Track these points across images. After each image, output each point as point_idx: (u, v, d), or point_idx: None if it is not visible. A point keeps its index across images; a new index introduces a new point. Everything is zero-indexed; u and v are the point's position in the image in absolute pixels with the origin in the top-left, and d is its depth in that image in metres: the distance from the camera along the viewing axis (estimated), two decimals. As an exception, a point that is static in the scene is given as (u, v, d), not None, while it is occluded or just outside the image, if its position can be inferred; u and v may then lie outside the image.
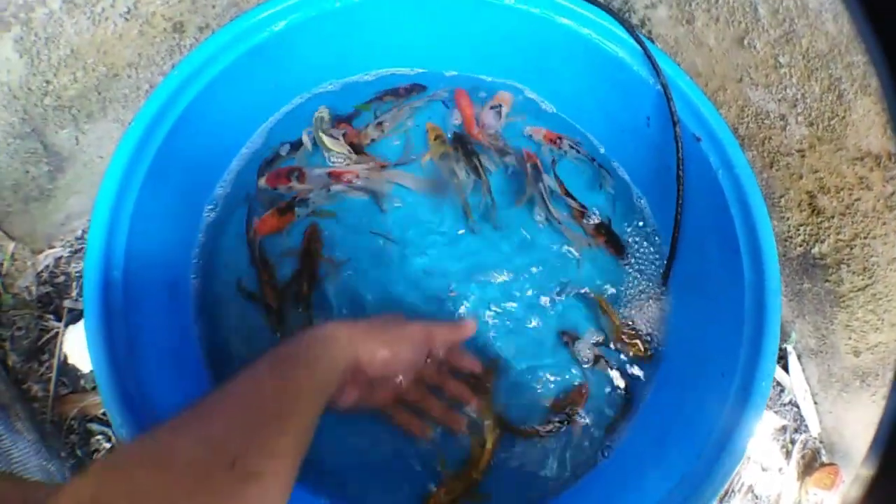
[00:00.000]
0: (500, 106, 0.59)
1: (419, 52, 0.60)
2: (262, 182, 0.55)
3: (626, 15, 0.58)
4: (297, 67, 0.56)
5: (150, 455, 0.29)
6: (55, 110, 0.54)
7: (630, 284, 0.56)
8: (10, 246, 0.62)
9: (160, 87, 0.48)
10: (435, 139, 0.57)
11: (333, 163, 0.56)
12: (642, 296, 0.55)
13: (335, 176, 0.55)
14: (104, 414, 0.58)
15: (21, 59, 0.50)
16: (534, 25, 0.54)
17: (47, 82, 0.52)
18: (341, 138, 0.56)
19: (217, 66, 0.50)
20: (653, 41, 0.53)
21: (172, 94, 0.48)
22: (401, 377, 0.43)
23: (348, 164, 0.56)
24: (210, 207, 0.56)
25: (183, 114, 0.49)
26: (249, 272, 0.53)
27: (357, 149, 0.56)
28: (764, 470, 0.60)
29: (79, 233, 0.65)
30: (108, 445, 0.57)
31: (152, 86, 0.57)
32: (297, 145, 0.57)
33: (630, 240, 0.57)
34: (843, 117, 0.49)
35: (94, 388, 0.59)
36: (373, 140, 0.58)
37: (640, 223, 0.58)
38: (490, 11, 0.54)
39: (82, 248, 0.64)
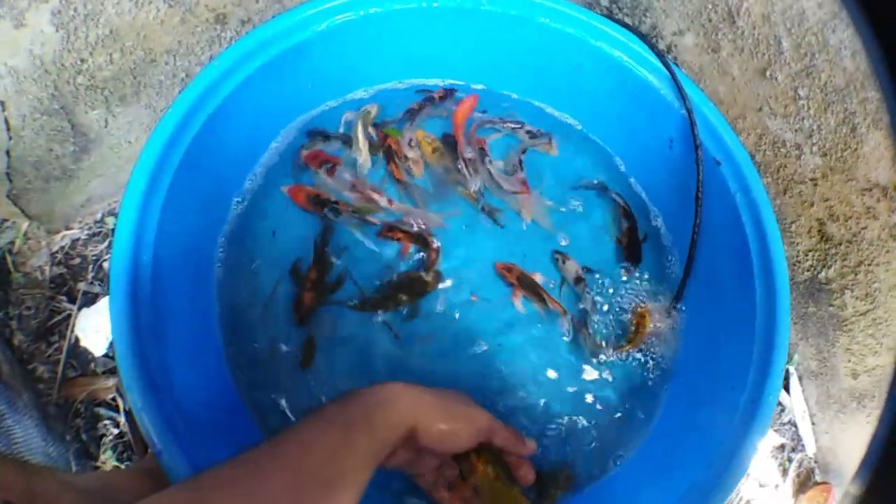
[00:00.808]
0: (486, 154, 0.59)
1: (452, 64, 0.61)
2: (304, 152, 0.56)
3: (654, 40, 0.60)
4: (334, 69, 0.57)
5: None
6: (87, 90, 0.54)
7: (642, 298, 0.57)
8: (25, 224, 0.62)
9: (200, 75, 0.48)
10: (431, 151, 0.57)
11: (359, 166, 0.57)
12: (655, 311, 0.57)
13: (358, 190, 0.55)
14: (113, 399, 0.58)
15: (57, 34, 0.50)
16: (567, 45, 0.56)
17: (82, 60, 0.52)
18: (367, 142, 0.57)
19: (256, 60, 0.51)
20: (678, 67, 0.55)
21: (212, 84, 0.49)
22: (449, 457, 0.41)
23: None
24: (238, 200, 0.56)
25: (221, 105, 0.49)
26: (286, 261, 0.53)
27: (390, 153, 0.56)
28: (761, 486, 0.62)
29: (98, 216, 0.64)
30: (115, 431, 0.56)
31: (188, 75, 0.57)
32: (348, 140, 0.57)
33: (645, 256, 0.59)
34: (855, 149, 0.52)
35: (104, 373, 0.59)
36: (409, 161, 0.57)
37: (656, 241, 0.60)
38: (524, 29, 0.56)
39: (101, 231, 0.64)
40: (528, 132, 0.59)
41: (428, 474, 0.42)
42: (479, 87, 0.63)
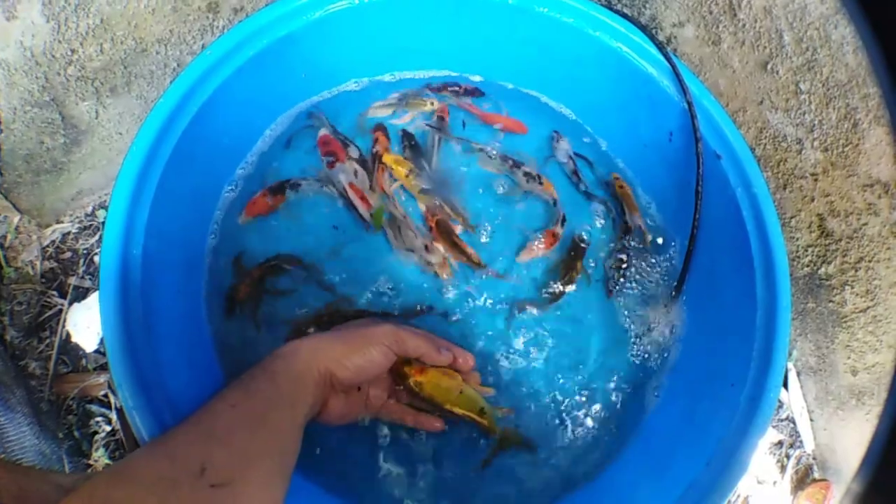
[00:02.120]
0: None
1: (447, 55, 0.61)
2: (322, 132, 0.55)
3: (653, 32, 0.60)
4: (328, 60, 0.56)
5: (122, 475, 0.30)
6: (78, 81, 0.53)
7: (641, 293, 0.57)
8: (16, 218, 0.61)
9: (192, 65, 0.47)
10: (405, 175, 0.55)
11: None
12: (653, 306, 0.56)
13: (352, 188, 0.54)
14: (105, 396, 0.57)
15: (47, 25, 0.49)
16: (565, 35, 0.55)
17: (72, 51, 0.51)
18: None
19: (249, 50, 0.50)
20: (678, 59, 0.54)
21: (203, 74, 0.48)
22: (385, 379, 0.44)
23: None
24: (230, 188, 0.55)
25: (212, 95, 0.49)
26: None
27: (374, 158, 0.55)
28: (759, 483, 0.61)
29: (89, 209, 0.63)
30: (108, 428, 0.56)
31: (180, 64, 0.56)
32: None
33: (641, 252, 0.58)
34: (857, 145, 0.51)
35: (95, 369, 0.58)
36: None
37: (653, 235, 0.59)
38: (523, 19, 0.55)
39: (91, 224, 0.63)
40: (525, 174, 0.57)
41: (376, 403, 0.44)
42: (477, 78, 0.62)
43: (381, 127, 0.57)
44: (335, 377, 0.39)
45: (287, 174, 0.55)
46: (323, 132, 0.56)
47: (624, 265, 0.56)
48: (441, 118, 0.57)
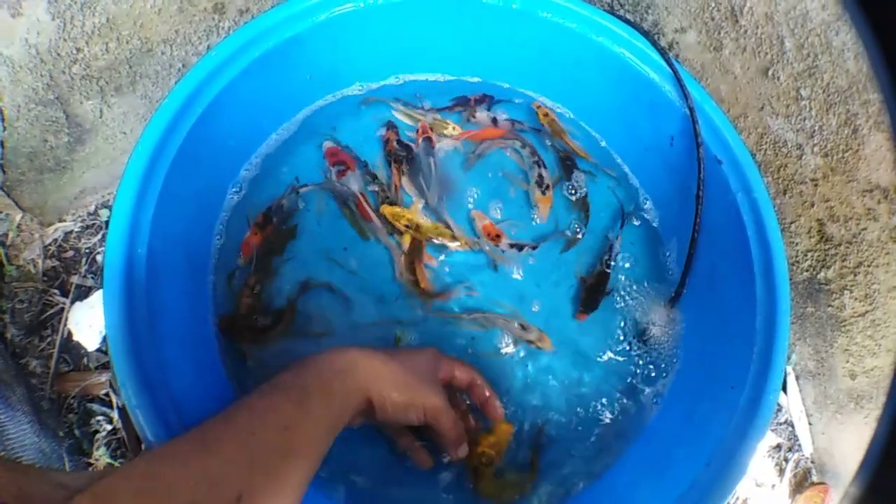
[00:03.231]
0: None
1: (450, 58, 0.61)
2: (327, 144, 0.55)
3: (656, 37, 0.60)
4: (332, 62, 0.56)
5: (151, 485, 0.27)
6: (82, 79, 0.53)
7: (642, 297, 0.57)
8: (18, 216, 0.61)
9: (198, 66, 0.48)
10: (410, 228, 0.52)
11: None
12: (654, 309, 0.57)
13: (360, 206, 0.53)
14: (106, 395, 0.57)
15: (53, 22, 0.49)
16: (567, 40, 0.55)
17: (78, 49, 0.52)
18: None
19: (255, 51, 0.50)
20: (680, 64, 0.55)
21: (209, 75, 0.48)
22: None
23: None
24: (234, 190, 0.55)
25: (218, 96, 0.49)
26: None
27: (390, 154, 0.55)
28: (758, 486, 0.62)
29: (92, 208, 0.63)
30: (109, 427, 0.56)
31: (185, 65, 0.56)
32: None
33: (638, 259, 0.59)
34: (857, 151, 0.52)
35: (97, 368, 0.58)
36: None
37: (655, 240, 0.60)
38: (525, 23, 0.56)
39: (94, 223, 0.63)
40: (539, 175, 0.56)
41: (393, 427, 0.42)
42: (475, 79, 0.63)
43: (391, 126, 0.57)
44: (370, 406, 0.36)
45: (287, 179, 0.55)
46: (328, 144, 0.55)
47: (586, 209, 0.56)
48: (427, 139, 0.56)
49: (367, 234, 0.53)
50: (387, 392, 0.36)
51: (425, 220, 0.53)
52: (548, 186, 0.56)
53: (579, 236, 0.57)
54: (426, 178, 0.55)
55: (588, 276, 0.54)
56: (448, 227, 0.53)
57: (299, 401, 0.32)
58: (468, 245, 0.54)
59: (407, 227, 0.51)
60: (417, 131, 0.57)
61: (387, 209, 0.52)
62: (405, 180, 0.54)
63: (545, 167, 0.57)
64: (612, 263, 0.56)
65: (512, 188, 0.58)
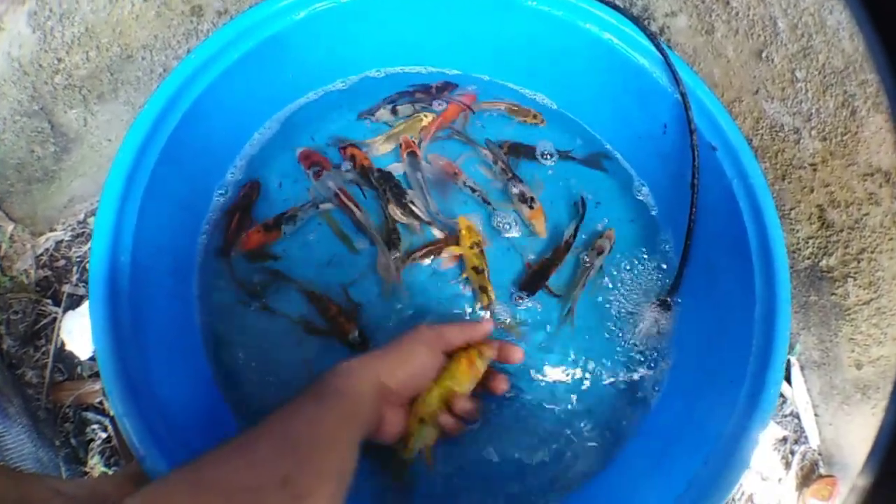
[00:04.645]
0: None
1: (433, 50, 0.60)
2: (298, 148, 0.55)
3: (646, 22, 0.59)
4: (314, 59, 0.56)
5: (202, 481, 0.29)
6: (65, 89, 0.53)
7: (639, 289, 0.56)
8: (10, 227, 0.61)
9: (176, 70, 0.47)
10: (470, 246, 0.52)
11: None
12: (651, 302, 0.55)
13: (340, 200, 0.53)
14: (100, 403, 0.57)
15: (34, 35, 0.49)
16: (555, 28, 0.54)
17: (59, 60, 0.51)
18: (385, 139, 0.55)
19: (234, 52, 0.50)
20: (671, 49, 0.53)
21: (188, 79, 0.47)
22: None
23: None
24: (220, 192, 0.55)
25: (197, 99, 0.48)
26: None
27: (365, 172, 0.54)
28: (764, 479, 0.60)
29: (81, 216, 0.63)
30: (103, 435, 0.56)
31: (166, 69, 0.56)
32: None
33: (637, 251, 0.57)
34: (856, 133, 0.50)
35: (90, 377, 0.58)
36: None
37: (651, 230, 0.58)
38: (510, 13, 0.54)
39: (84, 232, 0.63)
40: (520, 192, 0.55)
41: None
42: (455, 72, 0.61)
43: (349, 144, 0.56)
44: (390, 391, 0.39)
45: (272, 177, 0.55)
46: (300, 149, 0.55)
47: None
48: (412, 154, 0.55)
49: (355, 247, 0.53)
50: (388, 366, 0.40)
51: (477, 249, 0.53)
52: (532, 199, 0.54)
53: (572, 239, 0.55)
54: (420, 197, 0.54)
55: (534, 264, 0.53)
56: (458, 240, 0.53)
57: (316, 402, 0.36)
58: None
59: (472, 246, 0.51)
60: (401, 147, 0.56)
61: (464, 222, 0.52)
62: (395, 209, 0.53)
63: (521, 181, 0.55)
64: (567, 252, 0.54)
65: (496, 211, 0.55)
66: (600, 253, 0.53)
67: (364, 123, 0.58)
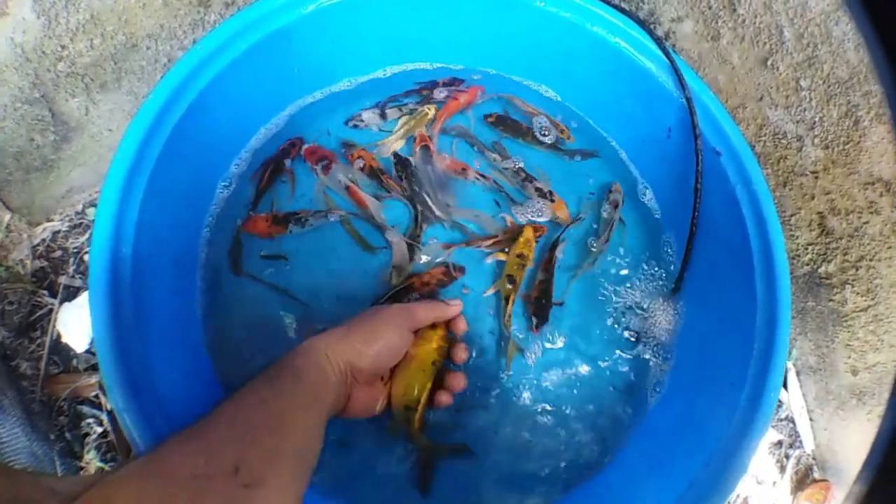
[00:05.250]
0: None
1: (440, 48, 0.60)
2: (305, 147, 0.55)
3: (652, 27, 0.59)
4: (321, 55, 0.55)
5: (153, 469, 0.29)
6: (68, 77, 0.52)
7: (640, 291, 0.56)
8: (7, 217, 0.60)
9: (181, 61, 0.47)
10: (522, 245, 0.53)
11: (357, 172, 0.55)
12: (652, 304, 0.56)
13: (351, 193, 0.53)
14: (96, 397, 0.56)
15: (38, 21, 0.48)
16: (562, 29, 0.54)
17: (62, 47, 0.51)
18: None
19: (241, 44, 0.49)
20: (677, 54, 0.53)
21: (193, 70, 0.47)
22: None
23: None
24: (224, 185, 0.54)
25: (204, 90, 0.48)
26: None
27: (374, 173, 0.54)
28: (759, 483, 0.61)
29: (79, 207, 0.62)
30: (99, 430, 0.55)
31: (171, 60, 0.55)
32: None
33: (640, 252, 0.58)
34: (858, 143, 0.50)
35: (86, 370, 0.57)
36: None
37: (654, 233, 0.59)
38: (518, 13, 0.55)
39: (82, 222, 0.62)
40: (536, 188, 0.56)
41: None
42: (459, 67, 0.61)
43: (353, 145, 0.56)
44: (356, 368, 0.38)
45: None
46: (305, 146, 0.55)
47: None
48: (425, 147, 0.55)
49: (372, 247, 0.53)
50: (354, 343, 0.38)
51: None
52: (550, 192, 0.56)
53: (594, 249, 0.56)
54: (430, 189, 0.54)
55: (530, 291, 0.53)
56: (467, 235, 0.53)
57: (271, 381, 0.35)
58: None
59: (518, 255, 0.52)
60: (415, 140, 0.56)
61: (528, 232, 0.53)
62: (405, 194, 0.53)
63: (535, 178, 0.56)
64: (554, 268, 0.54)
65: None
66: (616, 206, 0.55)
67: (370, 127, 0.58)
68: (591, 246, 0.56)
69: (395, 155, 0.55)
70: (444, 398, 0.44)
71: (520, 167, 0.57)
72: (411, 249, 0.52)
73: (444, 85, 0.59)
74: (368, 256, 0.53)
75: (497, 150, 0.58)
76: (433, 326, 0.45)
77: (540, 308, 0.51)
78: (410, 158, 0.56)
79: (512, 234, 0.53)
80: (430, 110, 0.57)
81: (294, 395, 0.34)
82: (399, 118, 0.57)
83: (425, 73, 0.61)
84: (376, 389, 0.42)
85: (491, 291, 0.53)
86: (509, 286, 0.50)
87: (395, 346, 0.41)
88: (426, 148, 0.55)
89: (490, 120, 0.59)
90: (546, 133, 0.59)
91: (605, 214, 0.56)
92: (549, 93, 0.62)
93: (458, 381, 0.45)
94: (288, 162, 0.54)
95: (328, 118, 0.58)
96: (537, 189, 0.56)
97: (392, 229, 0.52)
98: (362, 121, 0.57)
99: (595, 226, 0.57)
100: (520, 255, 0.51)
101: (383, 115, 0.57)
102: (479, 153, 0.58)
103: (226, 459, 0.29)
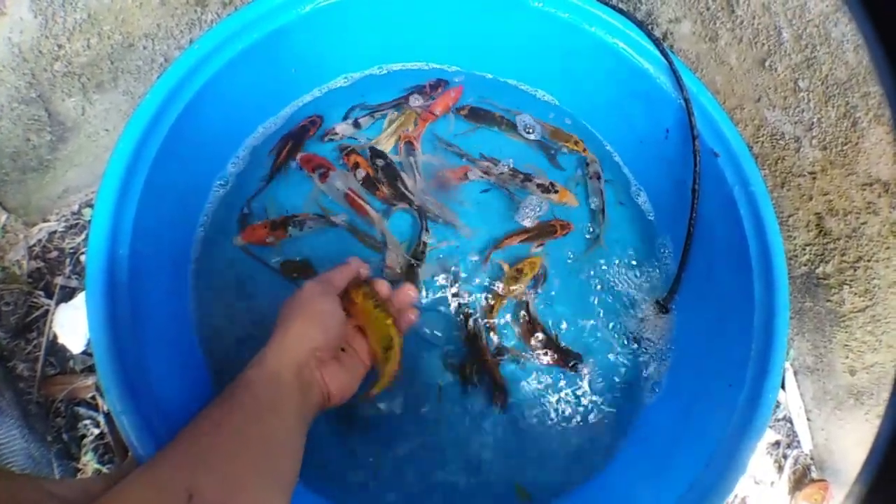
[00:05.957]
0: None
1: (435, 47, 0.60)
2: (299, 156, 0.55)
3: (650, 28, 0.59)
4: (317, 54, 0.55)
5: None
6: (64, 77, 0.52)
7: (638, 293, 0.56)
8: (3, 217, 0.59)
9: (178, 61, 0.46)
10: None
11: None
12: (649, 305, 0.56)
13: (350, 199, 0.53)
14: (93, 398, 0.56)
15: (35, 20, 0.48)
16: (560, 30, 0.54)
17: (59, 46, 0.50)
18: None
19: (238, 44, 0.49)
20: (675, 55, 0.53)
21: (191, 69, 0.47)
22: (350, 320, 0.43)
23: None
24: (220, 183, 0.54)
25: (200, 90, 0.48)
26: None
27: (371, 182, 0.54)
28: (757, 483, 0.61)
29: (75, 207, 0.62)
30: (95, 431, 0.55)
31: (167, 59, 0.55)
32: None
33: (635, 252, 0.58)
34: (856, 144, 0.50)
35: (83, 371, 0.57)
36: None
37: (650, 234, 0.59)
38: (516, 13, 0.54)
39: (78, 223, 0.62)
40: (538, 185, 0.57)
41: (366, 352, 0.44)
42: (455, 69, 0.61)
43: (350, 150, 0.56)
44: (311, 349, 0.38)
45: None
46: (300, 154, 0.55)
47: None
48: (409, 143, 0.56)
49: (379, 244, 0.53)
50: (297, 332, 0.38)
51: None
52: (552, 184, 0.57)
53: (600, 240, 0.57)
54: (410, 176, 0.55)
55: (521, 318, 0.53)
56: (453, 222, 0.54)
57: (223, 401, 0.34)
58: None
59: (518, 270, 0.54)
60: (400, 137, 0.57)
61: (539, 259, 0.54)
62: (387, 189, 0.54)
63: (532, 175, 0.57)
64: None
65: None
66: (599, 177, 0.58)
67: (345, 140, 0.57)
68: (589, 231, 0.57)
69: (372, 149, 0.56)
70: (409, 307, 0.44)
71: (513, 168, 0.57)
72: (413, 260, 0.52)
73: (432, 87, 0.59)
74: (374, 254, 0.53)
75: (486, 158, 0.58)
76: (363, 297, 0.44)
77: (529, 330, 0.52)
78: (394, 157, 0.56)
79: (539, 231, 0.55)
80: (412, 115, 0.57)
81: (247, 410, 0.34)
82: (385, 119, 0.58)
83: (421, 74, 0.61)
84: (347, 362, 0.41)
85: (485, 265, 0.54)
86: (509, 288, 0.51)
87: (328, 311, 0.40)
88: (409, 143, 0.56)
89: (462, 113, 0.59)
90: (530, 131, 0.60)
91: (592, 191, 0.58)
92: (546, 97, 0.62)
93: (409, 293, 0.45)
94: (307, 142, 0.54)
95: (327, 117, 0.57)
96: (539, 185, 0.56)
97: (391, 236, 0.52)
98: (336, 133, 0.57)
99: (592, 207, 0.58)
100: (519, 270, 0.53)
101: (356, 125, 0.57)
102: (471, 164, 0.58)
103: (177, 489, 0.29)
